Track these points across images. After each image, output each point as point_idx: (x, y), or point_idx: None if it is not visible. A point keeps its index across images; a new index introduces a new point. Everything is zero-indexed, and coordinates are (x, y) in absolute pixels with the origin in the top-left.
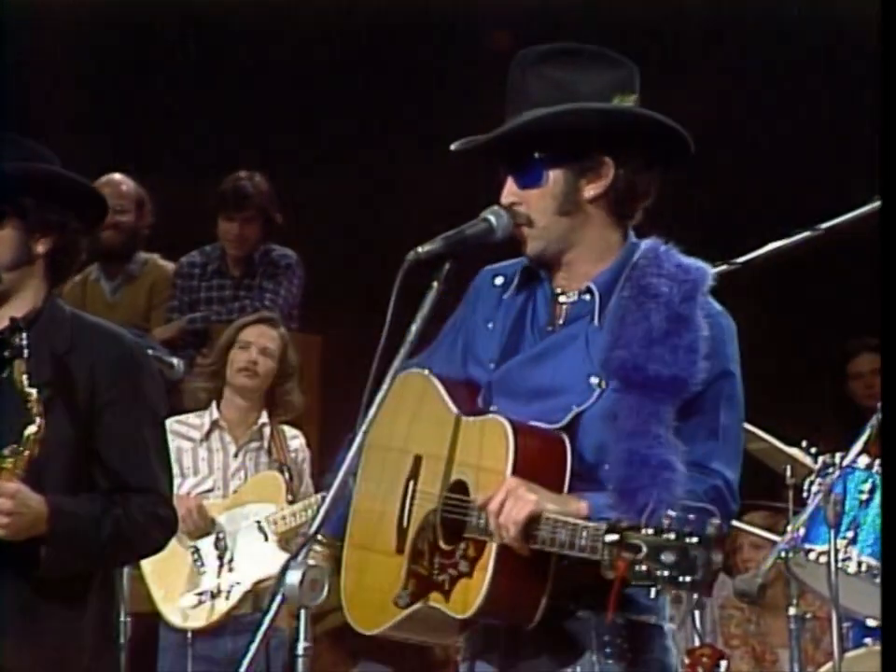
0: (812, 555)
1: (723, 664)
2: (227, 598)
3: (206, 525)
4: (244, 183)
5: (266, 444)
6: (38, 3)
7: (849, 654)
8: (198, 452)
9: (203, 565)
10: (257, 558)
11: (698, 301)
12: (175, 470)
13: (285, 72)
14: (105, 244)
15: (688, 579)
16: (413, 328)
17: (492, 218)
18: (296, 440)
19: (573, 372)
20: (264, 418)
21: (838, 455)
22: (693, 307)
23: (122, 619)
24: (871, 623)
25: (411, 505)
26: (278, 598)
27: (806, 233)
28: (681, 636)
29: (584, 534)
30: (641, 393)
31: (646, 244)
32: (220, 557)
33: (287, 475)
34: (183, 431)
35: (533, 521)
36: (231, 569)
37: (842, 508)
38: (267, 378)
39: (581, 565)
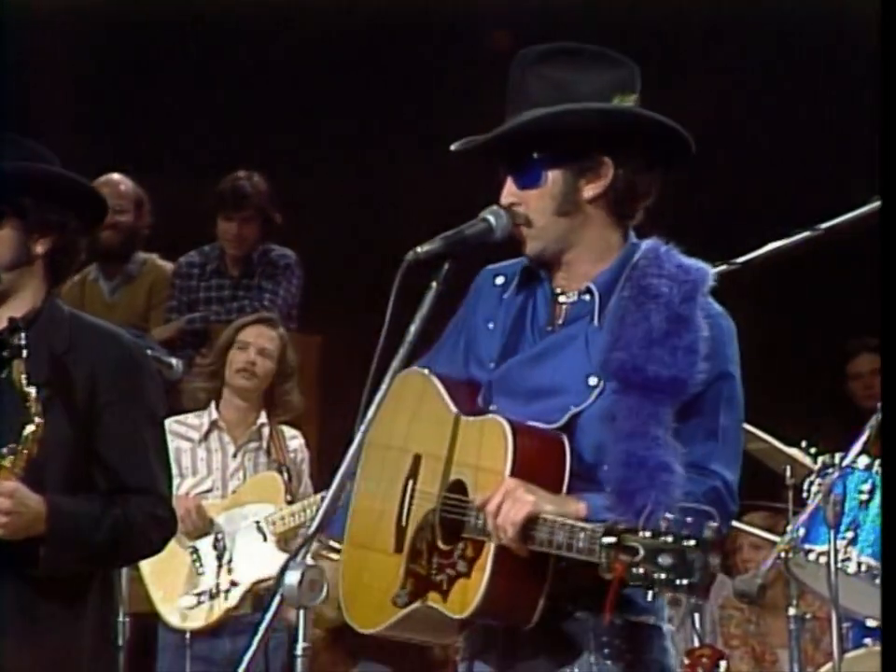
0: (812, 556)
1: (723, 664)
2: (225, 599)
3: (205, 526)
4: (242, 183)
5: (265, 445)
6: (38, 3)
7: (849, 655)
8: (197, 452)
9: (201, 565)
10: (255, 559)
11: (698, 302)
12: (174, 471)
13: (285, 72)
14: (103, 244)
15: (685, 582)
16: (413, 328)
17: (491, 218)
18: (295, 440)
19: (572, 373)
20: (263, 418)
21: (838, 456)
22: (693, 308)
23: (121, 619)
24: (870, 623)
25: (410, 504)
26: (277, 599)
27: (806, 233)
28: (681, 636)
29: (582, 535)
30: (640, 394)
31: (646, 244)
32: (219, 558)
33: (285, 475)
34: (182, 431)
35: (531, 522)
36: (229, 570)
37: (841, 508)
38: (265, 379)
39: (579, 566)
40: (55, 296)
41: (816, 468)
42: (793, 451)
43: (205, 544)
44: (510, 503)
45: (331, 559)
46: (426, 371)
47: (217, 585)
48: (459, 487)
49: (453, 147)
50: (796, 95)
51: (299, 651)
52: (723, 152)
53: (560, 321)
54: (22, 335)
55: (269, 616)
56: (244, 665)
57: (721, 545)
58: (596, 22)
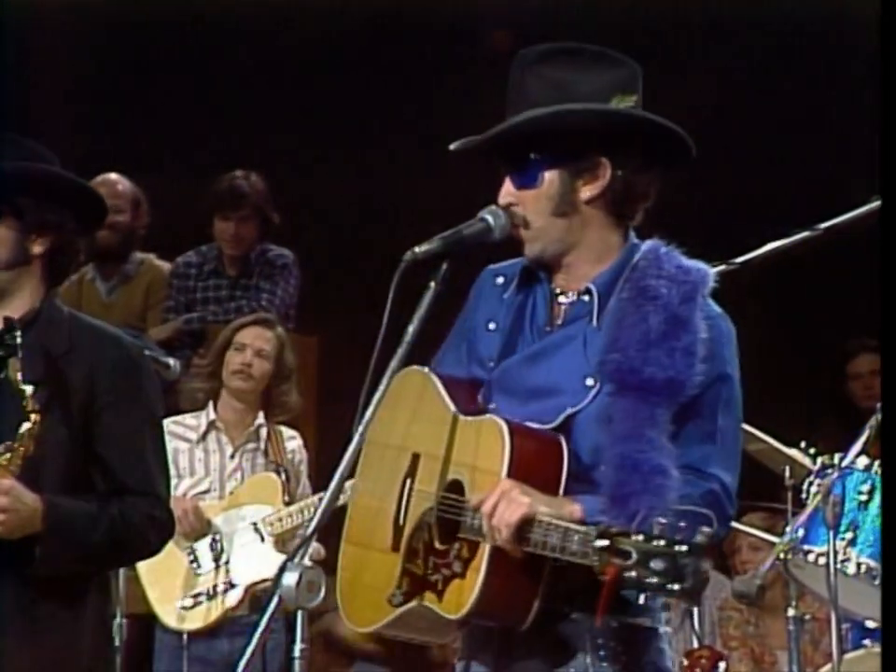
0: (811, 556)
1: (722, 665)
2: (223, 600)
3: (202, 527)
4: (239, 182)
5: (263, 445)
6: (38, 3)
7: (848, 656)
8: (194, 453)
9: (199, 566)
10: (253, 560)
11: (697, 303)
12: (172, 471)
13: (285, 72)
14: (100, 244)
15: (676, 587)
16: (411, 328)
17: (489, 218)
18: (293, 441)
19: (569, 373)
20: (261, 419)
21: (837, 456)
22: (692, 309)
23: (118, 620)
24: (870, 624)
25: (407, 503)
26: (275, 600)
27: (806, 233)
28: (680, 637)
29: (575, 538)
30: (636, 396)
31: (647, 245)
32: (216, 559)
33: (283, 476)
34: (179, 432)
35: (526, 523)
36: (227, 571)
37: (841, 509)
38: (263, 380)
39: (575, 567)
40: (54, 296)
41: (815, 468)
42: (793, 451)
43: (203, 545)
44: (505, 504)
45: None
46: (425, 370)
47: (215, 586)
48: (456, 487)
49: (452, 147)
50: (796, 95)
51: (296, 653)
52: (723, 152)
53: (559, 321)
54: (18, 333)
55: (266, 617)
56: (241, 666)
57: (716, 548)
58: (596, 22)
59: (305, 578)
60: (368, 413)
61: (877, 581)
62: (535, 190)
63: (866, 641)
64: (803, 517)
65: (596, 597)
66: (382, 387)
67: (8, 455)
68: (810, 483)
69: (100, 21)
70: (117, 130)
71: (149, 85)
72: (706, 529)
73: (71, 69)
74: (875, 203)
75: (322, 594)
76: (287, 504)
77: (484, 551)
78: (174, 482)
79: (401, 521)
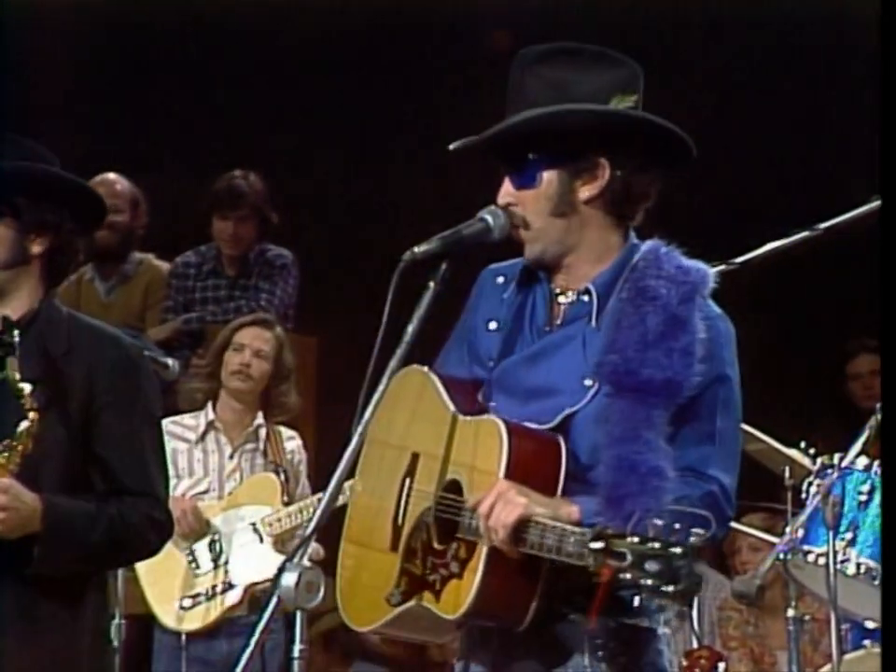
0: (811, 557)
1: (721, 665)
2: (222, 600)
3: (201, 528)
4: (238, 182)
5: (262, 446)
6: (38, 3)
7: (848, 656)
8: (193, 453)
9: (197, 567)
10: (252, 560)
11: (696, 304)
12: (171, 472)
13: (285, 72)
14: (99, 244)
15: (671, 588)
16: (410, 328)
17: (489, 218)
18: (292, 441)
19: (568, 373)
20: (260, 420)
21: (837, 456)
22: (690, 309)
23: (117, 621)
24: (870, 624)
25: (406, 503)
26: (274, 600)
27: (805, 233)
28: (679, 637)
29: (571, 539)
30: (634, 398)
31: (647, 245)
32: (215, 559)
33: (282, 477)
34: (178, 432)
35: (522, 524)
36: (226, 571)
37: (840, 509)
38: (261, 380)
39: (572, 568)
40: (53, 296)
41: (815, 468)
42: (792, 451)
43: (202, 546)
44: (501, 505)
45: None
46: (425, 369)
47: (214, 587)
48: (455, 487)
49: (451, 147)
50: (796, 95)
51: (295, 653)
52: (723, 152)
53: (558, 321)
54: (16, 332)
55: (265, 617)
56: (240, 667)
57: (714, 549)
58: (596, 22)
59: (304, 578)
60: (367, 414)
61: (877, 582)
62: (534, 191)
63: (866, 642)
64: (802, 517)
65: (594, 598)
66: (381, 387)
67: (7, 454)
68: (810, 484)
69: (100, 20)
70: (116, 130)
71: (149, 85)
72: (699, 531)
73: (71, 69)
74: (875, 203)
75: (321, 594)
76: (287, 504)
77: (482, 551)
78: (172, 482)
79: (400, 520)
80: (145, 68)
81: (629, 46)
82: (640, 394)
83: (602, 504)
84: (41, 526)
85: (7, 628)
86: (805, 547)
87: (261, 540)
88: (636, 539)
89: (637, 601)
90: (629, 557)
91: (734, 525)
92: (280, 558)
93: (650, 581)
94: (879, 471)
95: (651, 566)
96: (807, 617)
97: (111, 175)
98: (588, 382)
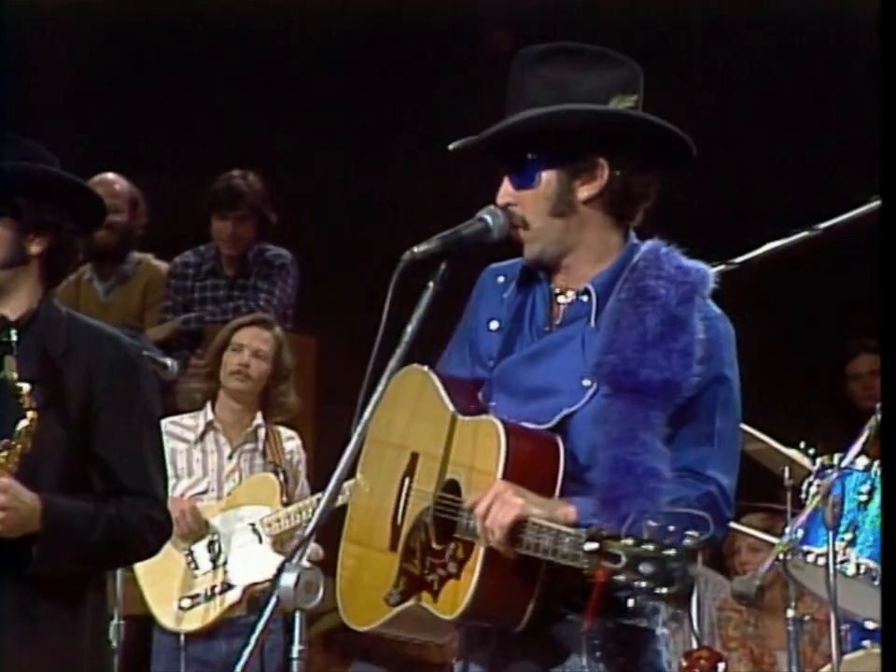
0: (810, 557)
1: (721, 666)
2: (221, 601)
3: (200, 528)
4: (237, 182)
5: (261, 446)
6: (38, 3)
7: (848, 657)
8: (192, 453)
9: (196, 567)
10: (251, 561)
11: (696, 304)
12: (170, 472)
13: (285, 72)
14: (98, 244)
15: (664, 590)
16: (409, 328)
17: (488, 218)
18: (291, 441)
19: (567, 374)
20: (259, 420)
21: (836, 457)
22: (690, 310)
23: (116, 622)
24: (869, 625)
25: (405, 503)
26: (273, 601)
27: (805, 233)
28: (679, 638)
29: (567, 541)
30: (631, 399)
31: (647, 245)
32: (214, 560)
33: (281, 477)
34: (177, 432)
35: (519, 525)
36: (225, 572)
37: (840, 509)
38: (260, 381)
39: (570, 569)
40: (52, 296)
41: (814, 469)
42: (792, 452)
43: (201, 546)
44: (498, 505)
45: None
46: (425, 369)
47: (213, 587)
48: (453, 487)
49: (450, 147)
50: (796, 95)
51: (294, 654)
52: (723, 152)
53: (558, 321)
54: (13, 331)
55: (264, 618)
56: (239, 667)
57: (713, 550)
58: (596, 22)
59: (303, 578)
60: (366, 414)
61: (877, 582)
62: (532, 191)
63: (865, 642)
64: (802, 517)
65: (589, 599)
66: (380, 388)
67: (6, 453)
68: (810, 484)
69: (100, 20)
70: (116, 130)
71: (149, 85)
72: (693, 533)
73: (71, 69)
74: (875, 203)
75: (320, 594)
76: (286, 505)
77: (479, 552)
78: (171, 482)
79: (399, 520)
80: (145, 68)
81: (629, 46)
82: (638, 394)
83: (598, 505)
84: (40, 526)
85: (6, 628)
86: (805, 547)
87: (260, 541)
88: (630, 541)
89: (631, 603)
90: (623, 559)
91: (733, 525)
92: (279, 559)
93: (643, 583)
94: (879, 471)
95: (645, 568)
96: (807, 617)
97: (110, 175)
98: (586, 382)
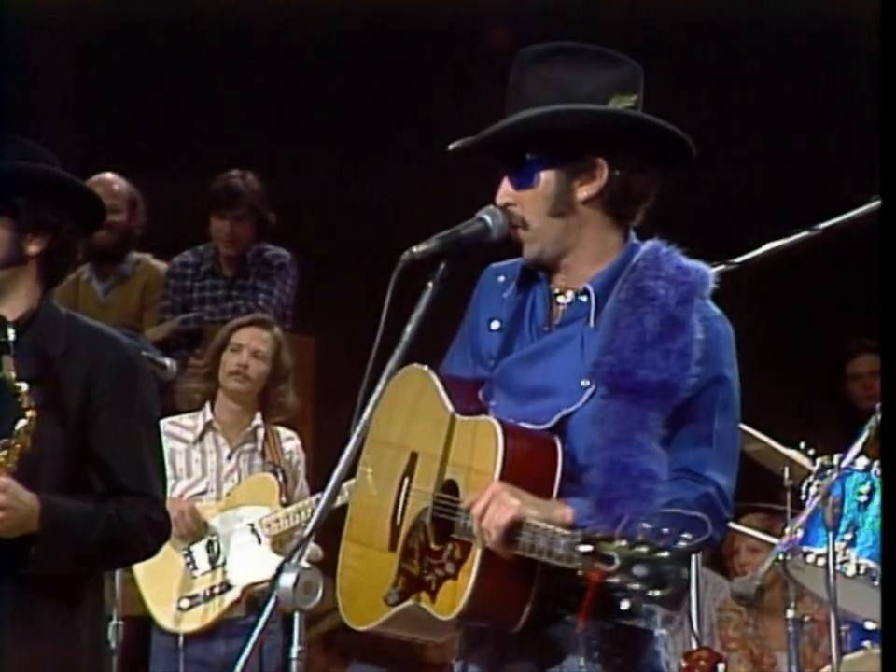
0: (810, 558)
1: (721, 667)
2: (220, 602)
3: (199, 528)
4: (235, 181)
5: (260, 446)
6: (38, 3)
7: (848, 657)
8: (191, 454)
9: (195, 568)
10: (250, 561)
11: (695, 305)
12: (169, 472)
13: (284, 72)
14: (97, 244)
15: (657, 593)
16: (409, 328)
17: (487, 218)
18: (291, 441)
19: (565, 374)
20: (258, 420)
21: (836, 457)
22: (689, 310)
23: (114, 622)
24: (869, 625)
25: (405, 503)
26: (272, 601)
27: (805, 233)
28: (678, 639)
29: (562, 542)
30: (628, 399)
31: (647, 245)
32: (213, 560)
33: (280, 477)
34: (176, 433)
35: (515, 526)
36: (224, 572)
37: (840, 510)
38: (259, 381)
39: (567, 570)
40: (51, 297)
41: (814, 469)
42: (792, 452)
43: (199, 547)
44: (494, 506)
45: None
46: (425, 369)
47: (212, 588)
48: (452, 487)
49: (450, 147)
50: (796, 95)
51: (294, 654)
52: (723, 152)
53: (557, 321)
54: (10, 331)
55: (264, 619)
56: (238, 668)
57: (713, 550)
58: (596, 22)
59: (302, 579)
60: (365, 414)
61: (877, 583)
62: (532, 191)
63: (865, 643)
64: (802, 518)
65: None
66: (379, 388)
67: (5, 453)
68: (809, 484)
69: (100, 20)
70: (115, 130)
71: (148, 85)
72: (688, 536)
73: (71, 69)
74: (875, 203)
75: (319, 595)
76: (285, 505)
77: (476, 553)
78: (170, 482)
79: (399, 520)
80: (144, 68)
81: (629, 46)
82: (635, 395)
83: (593, 507)
84: (39, 526)
85: (5, 629)
86: (805, 548)
87: (259, 541)
88: (624, 543)
89: (625, 605)
90: (617, 561)
91: (732, 525)
92: (278, 559)
93: (637, 585)
94: (879, 472)
95: (638, 570)
96: (807, 618)
97: (109, 175)
98: (585, 382)
